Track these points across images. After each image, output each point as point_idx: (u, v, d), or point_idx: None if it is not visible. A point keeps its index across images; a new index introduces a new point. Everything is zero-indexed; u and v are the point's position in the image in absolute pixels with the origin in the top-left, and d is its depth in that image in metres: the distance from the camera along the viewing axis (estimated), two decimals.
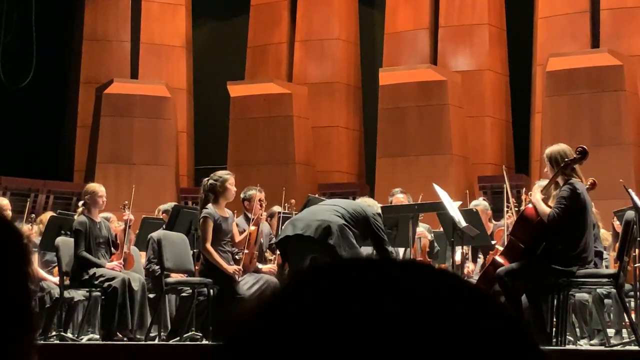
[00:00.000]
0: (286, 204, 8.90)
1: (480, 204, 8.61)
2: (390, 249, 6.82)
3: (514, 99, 12.97)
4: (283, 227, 6.96)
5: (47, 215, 9.17)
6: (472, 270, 8.44)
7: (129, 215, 8.20)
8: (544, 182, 6.90)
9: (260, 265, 8.05)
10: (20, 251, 0.81)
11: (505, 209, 8.04)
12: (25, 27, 12.91)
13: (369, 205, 7.17)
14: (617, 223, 8.17)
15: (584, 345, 7.38)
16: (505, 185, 8.07)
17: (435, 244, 8.61)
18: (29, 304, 0.81)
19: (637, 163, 10.99)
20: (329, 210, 6.78)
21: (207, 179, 7.62)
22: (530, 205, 6.49)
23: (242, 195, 8.27)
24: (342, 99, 13.53)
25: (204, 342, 7.34)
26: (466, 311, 0.59)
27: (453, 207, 7.45)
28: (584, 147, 6.48)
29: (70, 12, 14.27)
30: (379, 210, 7.04)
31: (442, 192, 7.52)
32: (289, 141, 12.79)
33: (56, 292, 8.06)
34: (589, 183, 6.63)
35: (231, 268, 7.45)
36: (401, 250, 8.54)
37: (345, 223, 6.66)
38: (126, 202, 8.51)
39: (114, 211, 8.79)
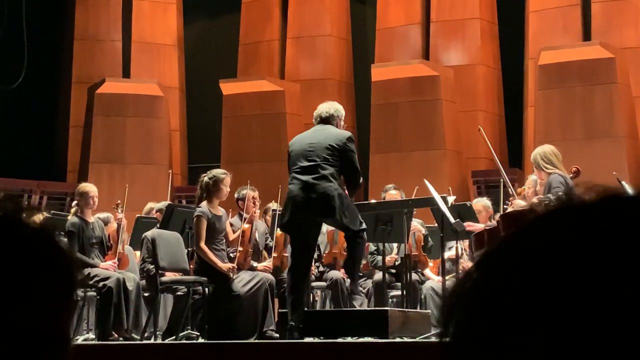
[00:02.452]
0: (281, 206, 8.87)
1: (481, 201, 8.65)
2: (360, 180, 6.75)
3: (506, 93, 12.97)
4: (285, 208, 6.68)
5: (40, 216, 9.14)
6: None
7: (123, 219, 8.20)
8: (536, 177, 7.07)
9: (255, 264, 8.05)
10: (69, 277, 0.84)
11: (503, 206, 8.06)
12: (16, 27, 12.87)
13: (341, 115, 6.89)
14: None
15: None
16: (502, 180, 8.13)
17: (429, 239, 8.63)
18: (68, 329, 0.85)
19: (630, 155, 11.01)
20: (321, 174, 6.53)
21: (204, 175, 7.64)
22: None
23: (235, 195, 8.27)
24: (334, 95, 13.51)
25: (200, 340, 7.34)
26: None
27: (442, 203, 7.48)
28: None
29: (61, 12, 14.24)
30: (349, 134, 6.80)
31: (432, 188, 7.56)
32: (281, 138, 12.78)
33: None
34: (572, 172, 6.83)
35: (225, 266, 7.46)
36: (395, 245, 8.56)
37: (338, 188, 6.53)
38: (119, 201, 8.50)
39: (107, 211, 8.78)
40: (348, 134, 6.76)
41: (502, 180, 8.31)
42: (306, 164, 6.57)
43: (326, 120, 6.78)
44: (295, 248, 6.81)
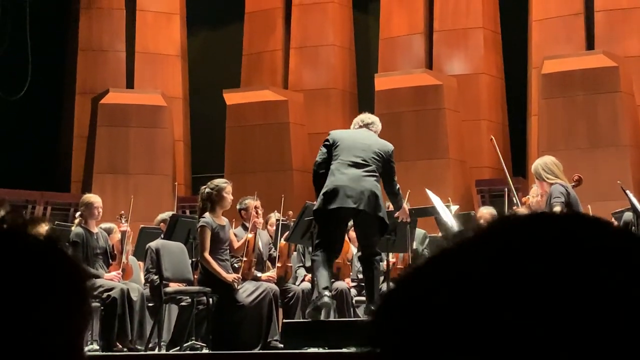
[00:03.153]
0: (285, 216, 8.86)
1: (487, 209, 8.66)
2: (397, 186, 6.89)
3: (509, 102, 12.97)
4: (328, 194, 6.62)
5: (45, 226, 9.14)
6: None
7: (127, 227, 8.19)
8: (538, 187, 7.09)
9: (258, 274, 8.04)
10: (79, 291, 0.84)
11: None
12: (20, 39, 12.90)
13: (380, 128, 7.09)
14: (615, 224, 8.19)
15: None
16: (506, 190, 8.12)
17: (424, 251, 8.62)
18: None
19: (634, 164, 11.00)
20: (372, 174, 6.70)
21: (204, 187, 7.63)
22: None
23: (238, 206, 8.26)
24: (337, 105, 13.54)
25: (204, 351, 7.33)
26: None
27: (446, 212, 7.47)
28: None
29: (65, 23, 14.27)
30: (393, 147, 7.00)
31: (435, 197, 7.55)
32: (285, 148, 12.79)
33: None
34: (574, 180, 6.82)
35: (230, 276, 7.45)
36: (400, 255, 8.55)
37: (380, 190, 6.70)
38: (122, 212, 8.50)
39: (111, 221, 8.78)
40: (392, 146, 6.96)
41: (506, 189, 8.31)
42: (357, 160, 6.73)
43: (367, 126, 7.02)
44: (326, 234, 6.76)
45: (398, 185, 6.93)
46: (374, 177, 6.72)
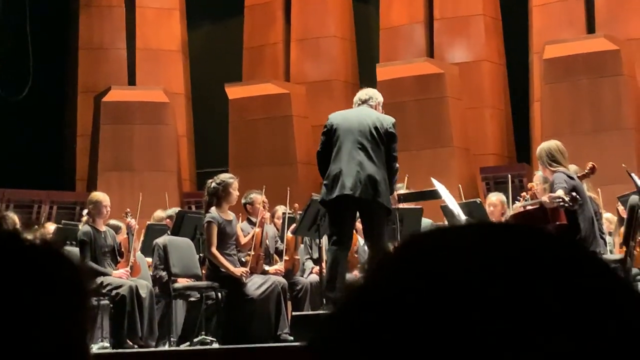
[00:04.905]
0: (291, 209, 8.85)
1: (497, 195, 8.66)
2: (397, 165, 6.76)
3: (512, 88, 12.96)
4: (328, 185, 6.58)
5: (49, 226, 9.17)
6: None
7: (132, 222, 8.18)
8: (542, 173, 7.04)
9: (266, 267, 8.06)
10: (78, 288, 0.84)
11: (515, 202, 7.96)
12: (21, 38, 12.90)
13: (379, 100, 6.95)
14: (621, 208, 8.19)
15: None
16: (509, 176, 8.08)
17: None
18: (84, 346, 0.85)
19: (638, 147, 10.99)
20: (368, 154, 6.58)
21: (211, 181, 7.63)
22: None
23: (243, 200, 8.26)
24: (340, 96, 13.52)
25: (215, 345, 7.35)
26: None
27: (452, 201, 7.47)
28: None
29: (65, 22, 14.27)
30: (394, 119, 6.85)
31: (441, 185, 7.54)
32: (289, 141, 12.79)
33: None
34: (587, 168, 6.76)
35: (238, 270, 7.46)
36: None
37: (383, 171, 6.58)
38: (128, 209, 8.50)
39: (117, 219, 8.79)
40: (393, 119, 6.78)
41: (509, 175, 8.26)
42: (355, 145, 6.61)
43: (365, 102, 6.87)
44: (334, 224, 6.72)
45: (397, 165, 6.76)
46: (373, 161, 6.58)
